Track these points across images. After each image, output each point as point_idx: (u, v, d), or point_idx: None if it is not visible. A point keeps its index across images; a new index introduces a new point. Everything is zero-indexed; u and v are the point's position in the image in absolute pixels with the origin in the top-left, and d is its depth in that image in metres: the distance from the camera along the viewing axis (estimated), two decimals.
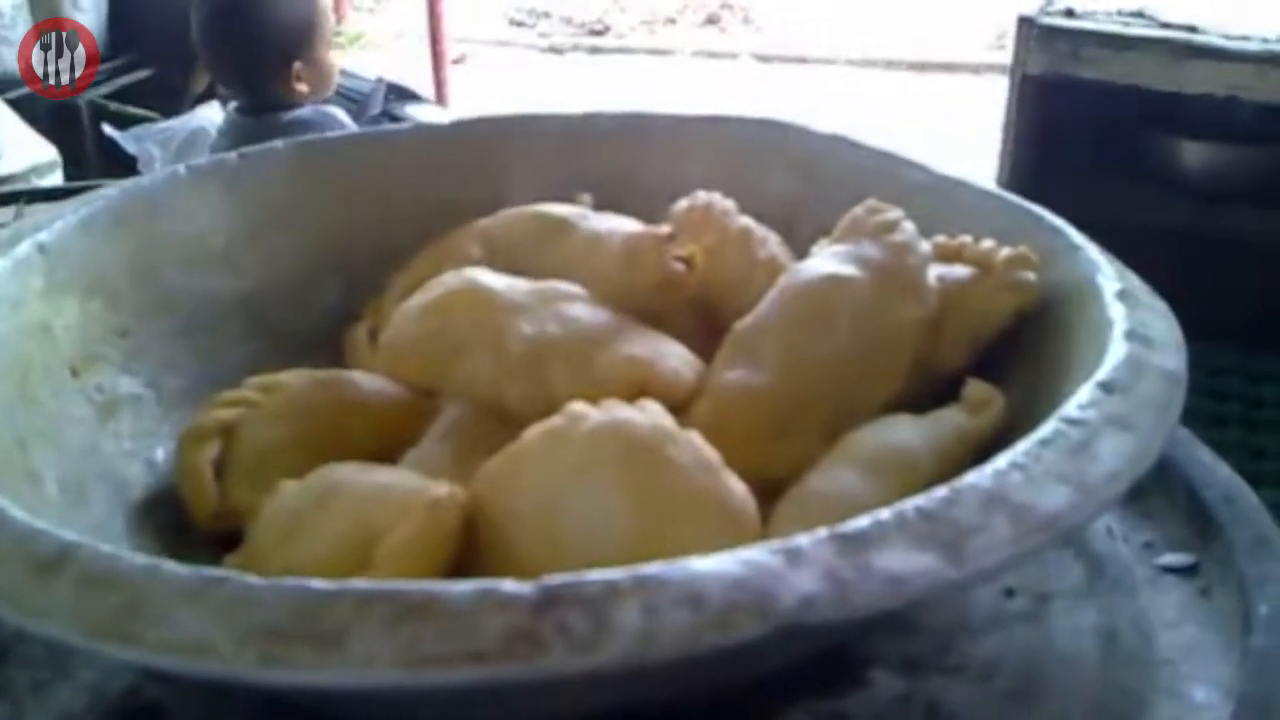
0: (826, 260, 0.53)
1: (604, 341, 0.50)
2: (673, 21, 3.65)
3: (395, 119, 2.12)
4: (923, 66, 3.22)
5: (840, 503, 0.46)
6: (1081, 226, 1.88)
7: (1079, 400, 0.43)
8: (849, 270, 0.52)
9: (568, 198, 0.62)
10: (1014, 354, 0.53)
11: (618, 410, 0.45)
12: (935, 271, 0.54)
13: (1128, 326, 0.47)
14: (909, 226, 0.54)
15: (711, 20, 3.67)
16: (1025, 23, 1.56)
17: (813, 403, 0.51)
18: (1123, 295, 0.50)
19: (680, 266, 0.54)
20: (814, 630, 0.34)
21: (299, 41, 1.64)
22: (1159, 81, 1.53)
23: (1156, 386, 0.44)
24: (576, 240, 0.55)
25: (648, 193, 0.63)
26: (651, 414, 0.45)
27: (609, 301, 0.53)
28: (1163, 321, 0.49)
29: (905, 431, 0.49)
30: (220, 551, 0.48)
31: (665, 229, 0.54)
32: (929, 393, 0.52)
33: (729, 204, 0.59)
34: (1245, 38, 1.49)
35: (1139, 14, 1.56)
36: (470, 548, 0.44)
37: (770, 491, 0.48)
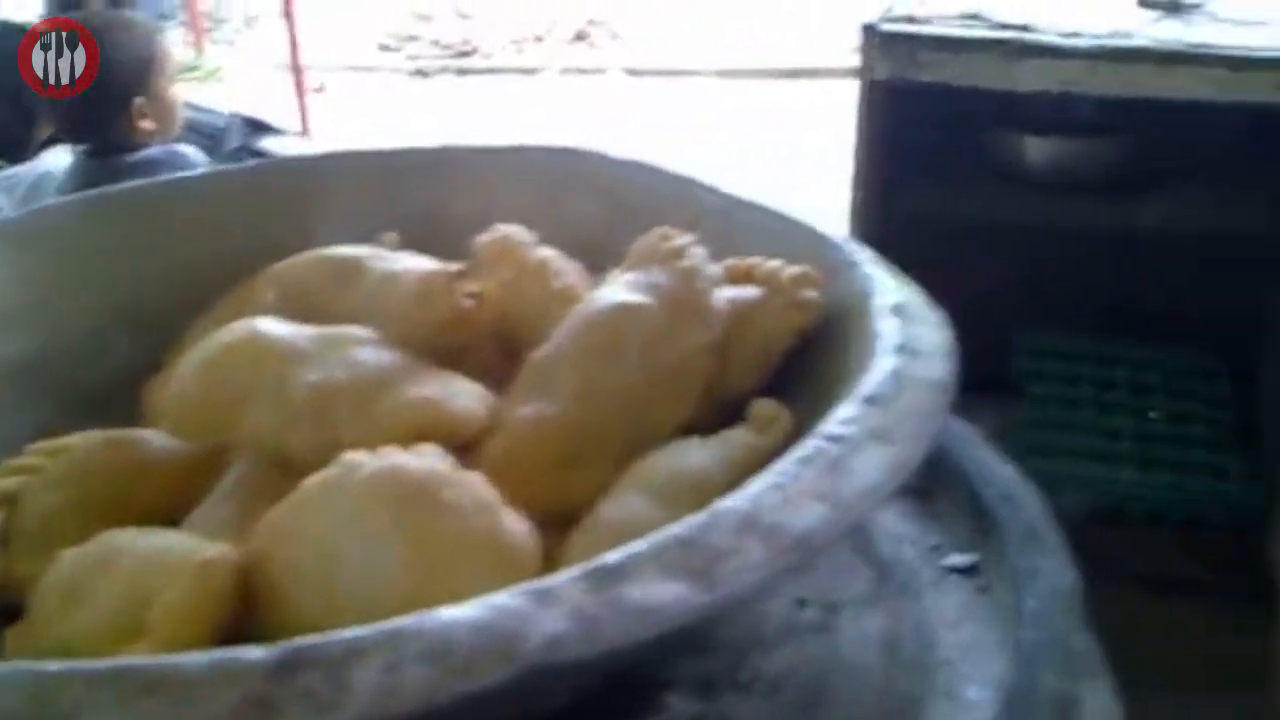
0: (616, 289, 0.54)
1: (390, 384, 0.50)
2: (541, 40, 3.66)
3: (254, 153, 2.09)
4: (789, 74, 3.28)
5: (631, 530, 0.47)
6: (935, 225, 1.94)
7: (840, 416, 0.44)
8: (638, 298, 0.53)
9: (375, 237, 0.62)
10: (801, 371, 0.54)
11: (392, 456, 0.45)
12: (726, 294, 0.55)
13: (898, 340, 0.49)
14: (697, 252, 0.55)
15: (580, 37, 3.68)
16: (869, 30, 1.59)
17: (606, 432, 0.52)
18: (897, 309, 0.51)
19: (471, 303, 0.54)
20: (565, 669, 0.35)
21: (138, 78, 1.61)
22: (996, 81, 1.57)
23: (920, 397, 0.46)
24: (369, 282, 0.55)
25: (459, 226, 0.63)
26: (427, 457, 0.45)
27: (402, 342, 0.53)
28: (935, 333, 0.50)
29: (695, 454, 0.50)
30: (5, 624, 0.47)
31: (455, 266, 0.55)
32: (722, 413, 0.53)
33: (528, 236, 0.59)
34: (1076, 34, 1.54)
35: (975, 16, 1.60)
36: (253, 604, 0.44)
37: (569, 522, 0.49)
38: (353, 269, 0.56)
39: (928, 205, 1.88)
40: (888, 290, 0.52)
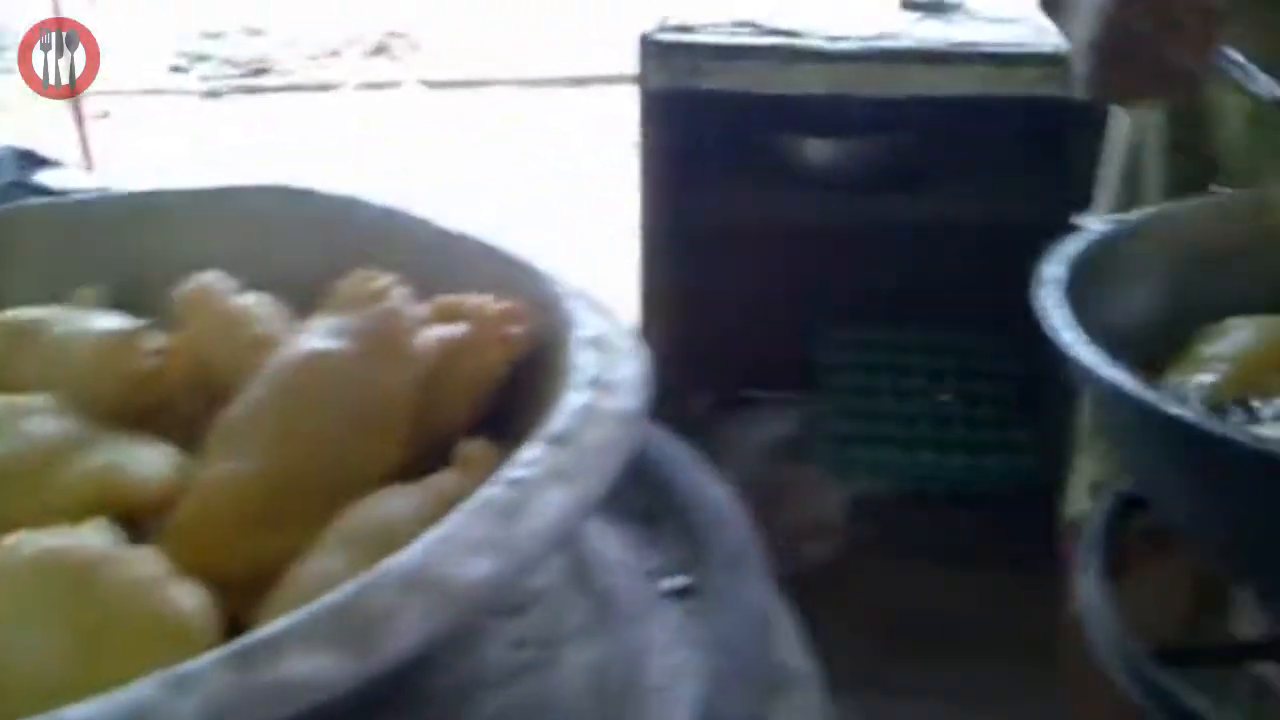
0: (311, 336, 0.53)
1: (64, 456, 0.48)
2: (339, 54, 3.59)
3: (30, 189, 1.99)
4: (588, 81, 3.29)
5: (328, 589, 0.45)
6: (728, 228, 1.95)
7: (524, 457, 0.44)
8: (333, 344, 0.52)
9: (70, 295, 0.59)
10: (512, 407, 0.53)
11: (54, 536, 0.42)
12: (430, 333, 0.54)
13: (592, 374, 0.48)
14: (399, 292, 0.54)
15: (380, 49, 3.63)
16: (645, 41, 1.60)
17: (304, 486, 0.50)
18: (595, 342, 0.51)
19: (156, 360, 0.52)
20: None
21: None
22: (771, 86, 1.60)
23: (608, 433, 0.46)
24: (46, 345, 0.53)
25: (167, 277, 0.61)
26: (91, 534, 0.43)
27: (86, 406, 0.50)
28: (631, 365, 0.50)
29: (397, 503, 0.49)
30: None
31: (137, 324, 0.52)
32: (436, 454, 0.52)
33: (227, 283, 0.57)
34: (844, 38, 1.58)
35: (748, 24, 1.63)
36: None
37: (271, 581, 0.47)
38: (30, 332, 0.53)
39: (720, 208, 1.91)
40: (588, 324, 0.52)
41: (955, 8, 1.66)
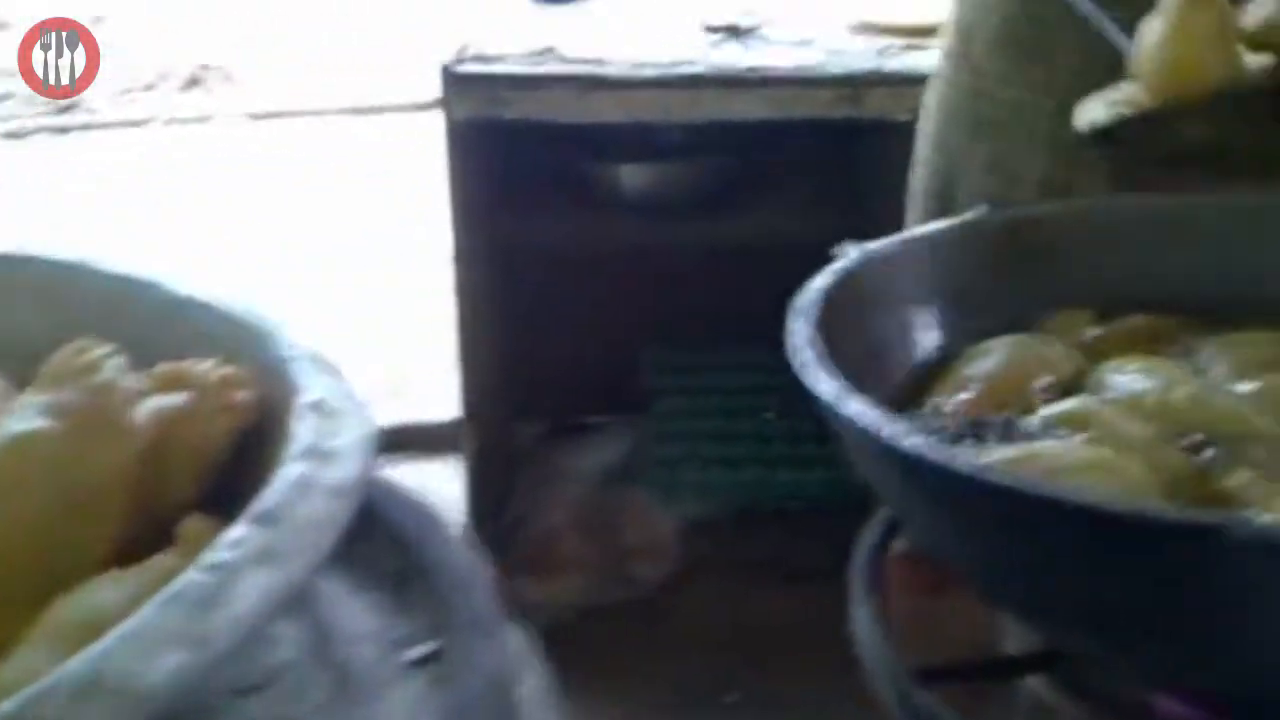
0: (15, 417, 0.50)
1: None
2: (151, 88, 3.47)
3: None
4: (401, 108, 3.26)
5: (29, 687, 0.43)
6: (549, 257, 1.94)
7: (227, 538, 0.42)
8: (38, 424, 0.49)
9: None
10: (238, 478, 0.51)
11: None
12: (151, 404, 0.52)
13: (309, 442, 0.47)
14: (113, 364, 0.52)
15: (194, 82, 3.53)
16: (446, 72, 1.59)
17: (12, 575, 0.47)
18: (316, 407, 0.49)
19: None
20: None
21: None
22: (575, 115, 1.60)
23: (321, 507, 0.44)
24: None
25: None
26: None
27: None
28: (352, 430, 0.49)
29: (107, 592, 0.47)
30: None
31: None
32: (162, 531, 0.50)
33: None
34: (644, 65, 1.59)
35: (548, 52, 1.63)
36: None
37: None
38: None
39: (539, 235, 1.90)
40: (312, 387, 0.50)
41: (751, 31, 1.69)
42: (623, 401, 2.04)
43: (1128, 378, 0.70)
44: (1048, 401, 0.69)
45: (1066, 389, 0.71)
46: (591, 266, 1.93)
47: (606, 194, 1.86)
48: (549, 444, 2.14)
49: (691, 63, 1.59)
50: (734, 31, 1.69)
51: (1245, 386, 0.69)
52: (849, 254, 0.74)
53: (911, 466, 0.53)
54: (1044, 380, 0.72)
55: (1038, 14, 0.97)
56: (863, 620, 0.68)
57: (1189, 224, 0.77)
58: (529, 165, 1.84)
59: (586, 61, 1.60)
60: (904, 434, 0.53)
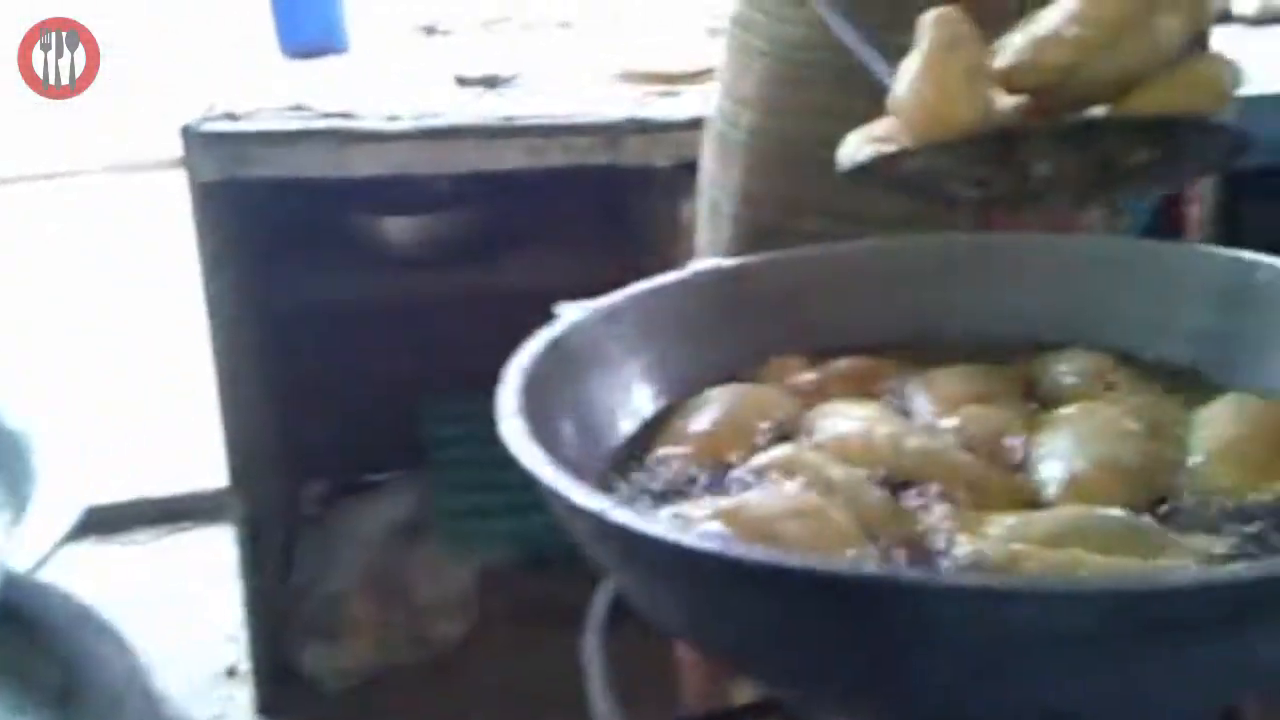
0: None
1: None
2: None
3: None
4: (143, 167, 3.14)
5: None
6: (312, 315, 1.88)
7: None
8: None
9: None
10: None
11: None
12: None
13: None
14: None
15: None
16: (188, 132, 1.53)
17: None
18: None
19: None
20: None
21: None
22: (330, 170, 1.57)
23: None
24: None
25: None
26: None
27: None
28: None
29: None
30: None
31: None
32: None
33: None
34: (398, 118, 1.57)
35: (299, 108, 1.60)
36: None
37: None
38: None
39: (307, 295, 1.86)
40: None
41: (511, 82, 1.69)
42: (405, 456, 2.00)
43: (834, 421, 0.71)
44: (763, 448, 0.70)
45: (784, 434, 0.73)
46: (363, 321, 1.90)
47: (373, 247, 1.83)
48: (332, 504, 2.09)
49: (447, 113, 1.58)
50: (491, 82, 1.69)
51: (945, 422, 0.72)
52: (567, 314, 0.74)
53: (600, 529, 0.53)
54: (762, 426, 0.73)
55: (799, 58, 1.00)
56: (595, 676, 0.67)
57: (892, 266, 0.80)
58: (291, 221, 1.80)
59: (339, 115, 1.58)
60: (590, 498, 0.53)
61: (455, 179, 1.73)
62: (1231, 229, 2.00)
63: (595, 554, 0.59)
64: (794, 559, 0.49)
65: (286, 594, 1.92)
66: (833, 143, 0.91)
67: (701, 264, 0.79)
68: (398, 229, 1.79)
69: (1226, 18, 1.77)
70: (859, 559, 0.56)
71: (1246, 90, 0.99)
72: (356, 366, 1.97)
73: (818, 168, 0.93)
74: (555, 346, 0.70)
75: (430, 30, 2.03)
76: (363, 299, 1.85)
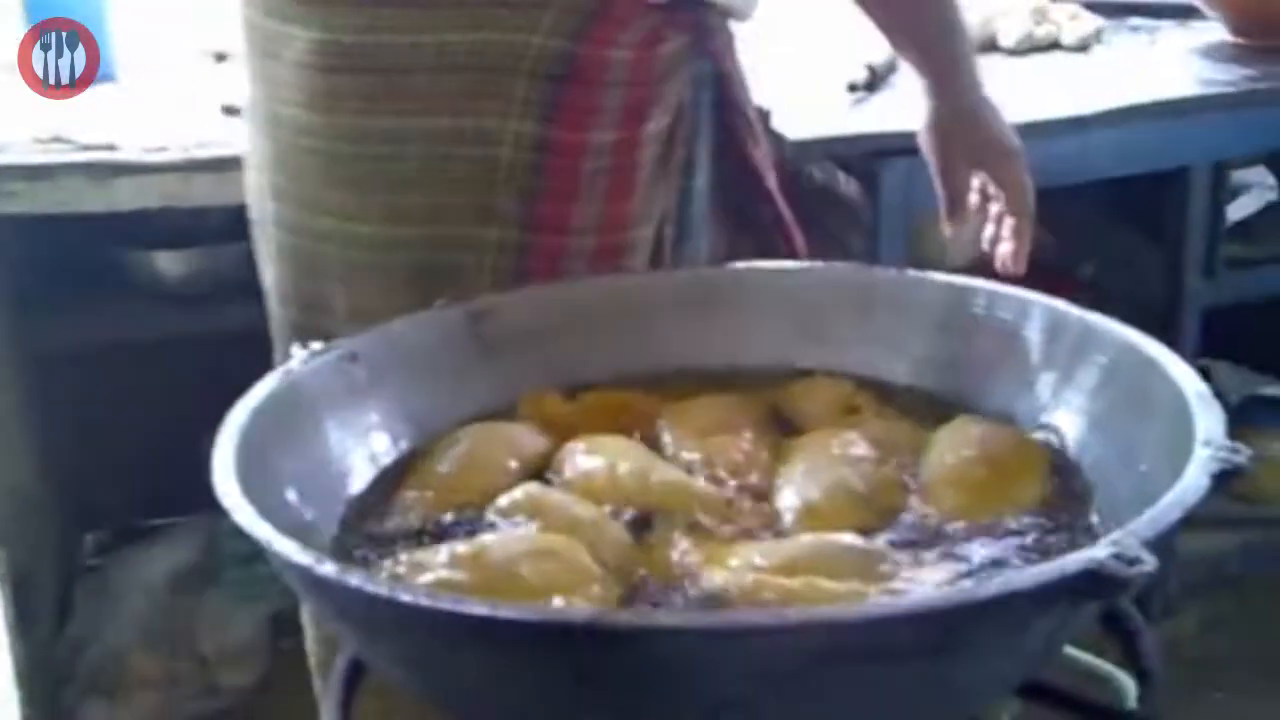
0: None
1: None
2: None
3: None
4: None
5: None
6: (82, 356, 1.77)
7: None
8: None
9: None
10: None
11: None
12: None
13: None
14: None
15: None
16: None
17: None
18: None
19: None
20: None
21: None
22: (93, 203, 1.50)
23: None
24: None
25: None
26: None
27: None
28: None
29: None
30: None
31: None
32: None
33: None
34: (164, 149, 1.51)
35: (58, 139, 1.52)
36: None
37: None
38: None
39: (75, 336, 1.77)
40: None
41: None
42: (189, 499, 1.92)
43: (582, 457, 0.71)
44: (511, 487, 0.69)
45: (535, 472, 0.72)
46: (138, 360, 1.81)
47: (146, 283, 1.75)
48: (112, 553, 1.99)
49: (216, 144, 1.53)
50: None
51: (691, 454, 0.72)
52: (299, 357, 0.72)
53: (311, 584, 0.51)
54: (511, 465, 0.72)
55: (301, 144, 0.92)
56: None
57: (638, 300, 0.80)
58: (56, 258, 1.71)
59: (101, 148, 1.50)
60: (299, 552, 0.51)
61: (231, 211, 1.66)
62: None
63: (314, 609, 0.57)
64: (483, 607, 0.48)
65: (64, 648, 1.82)
66: (328, 238, 0.89)
67: (442, 303, 0.77)
68: (171, 263, 1.71)
69: (991, 47, 1.85)
70: (569, 604, 0.55)
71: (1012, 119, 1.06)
72: (133, 408, 1.88)
73: (325, 264, 0.90)
74: (285, 390, 0.67)
75: (221, 57, 1.96)
76: (136, 337, 1.77)
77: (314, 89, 0.89)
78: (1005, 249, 1.04)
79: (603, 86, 0.88)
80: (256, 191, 1.00)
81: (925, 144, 1.05)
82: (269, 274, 1.00)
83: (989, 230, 1.06)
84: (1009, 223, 1.04)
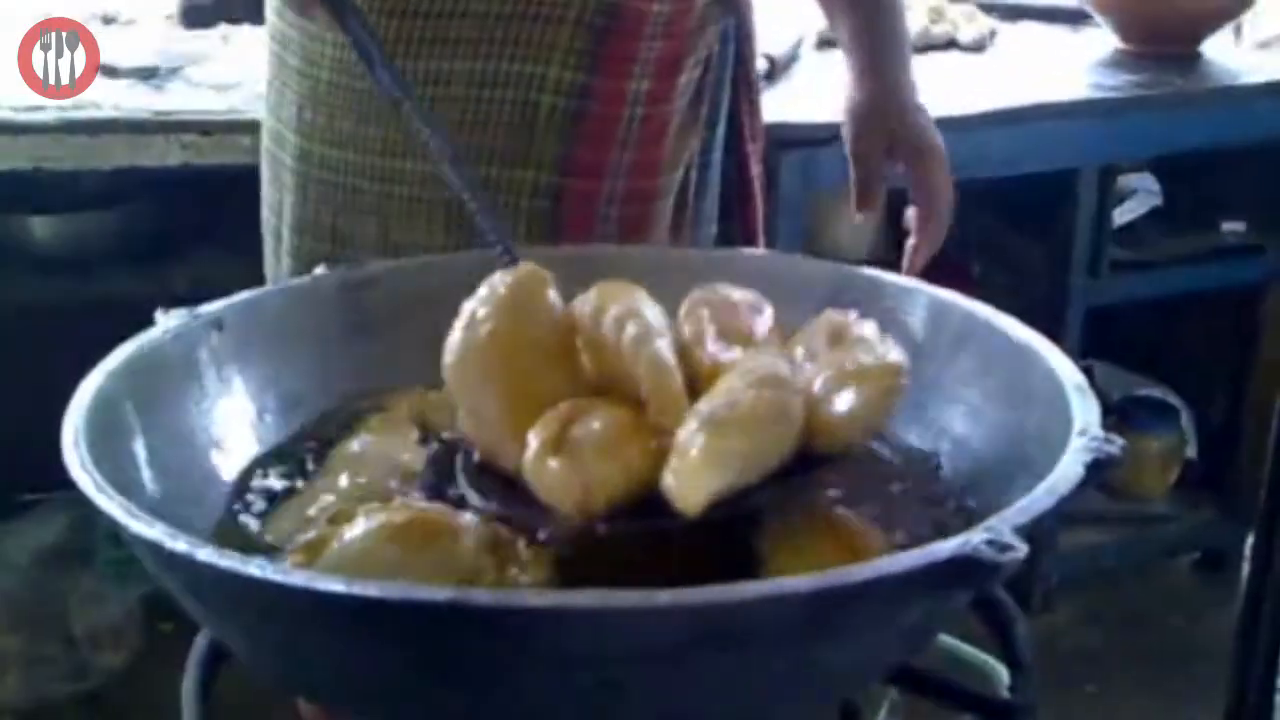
0: None
1: None
2: None
3: None
4: None
5: None
6: None
7: None
8: None
9: None
10: None
11: None
12: None
13: None
14: None
15: None
16: None
17: None
18: None
19: None
20: None
21: None
22: None
23: None
24: None
25: None
26: None
27: None
28: None
29: None
30: None
31: None
32: None
33: None
34: (40, 108, 1.45)
35: None
36: None
37: None
38: None
39: None
40: None
41: (175, 74, 1.59)
42: (60, 475, 1.85)
43: None
44: None
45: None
46: (8, 329, 1.74)
47: (20, 249, 1.69)
48: None
49: (96, 106, 1.47)
50: (150, 74, 1.58)
51: None
52: (167, 321, 0.69)
53: (157, 559, 0.48)
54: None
55: (329, 81, 0.94)
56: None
57: None
58: None
59: None
60: (139, 525, 0.48)
61: (111, 176, 1.60)
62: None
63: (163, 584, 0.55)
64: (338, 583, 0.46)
65: None
66: (364, 173, 0.91)
67: (322, 269, 0.75)
68: (46, 229, 1.65)
69: None
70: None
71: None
72: (2, 377, 1.81)
73: (355, 199, 0.92)
74: (142, 358, 0.64)
75: (109, 20, 1.89)
76: (8, 303, 1.70)
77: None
78: (909, 245, 1.03)
79: (643, 38, 0.91)
80: (274, 128, 1.00)
81: (845, 128, 1.04)
82: (285, 204, 0.99)
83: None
84: (919, 222, 1.02)
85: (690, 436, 0.53)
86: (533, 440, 0.55)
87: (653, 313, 0.60)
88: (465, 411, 0.60)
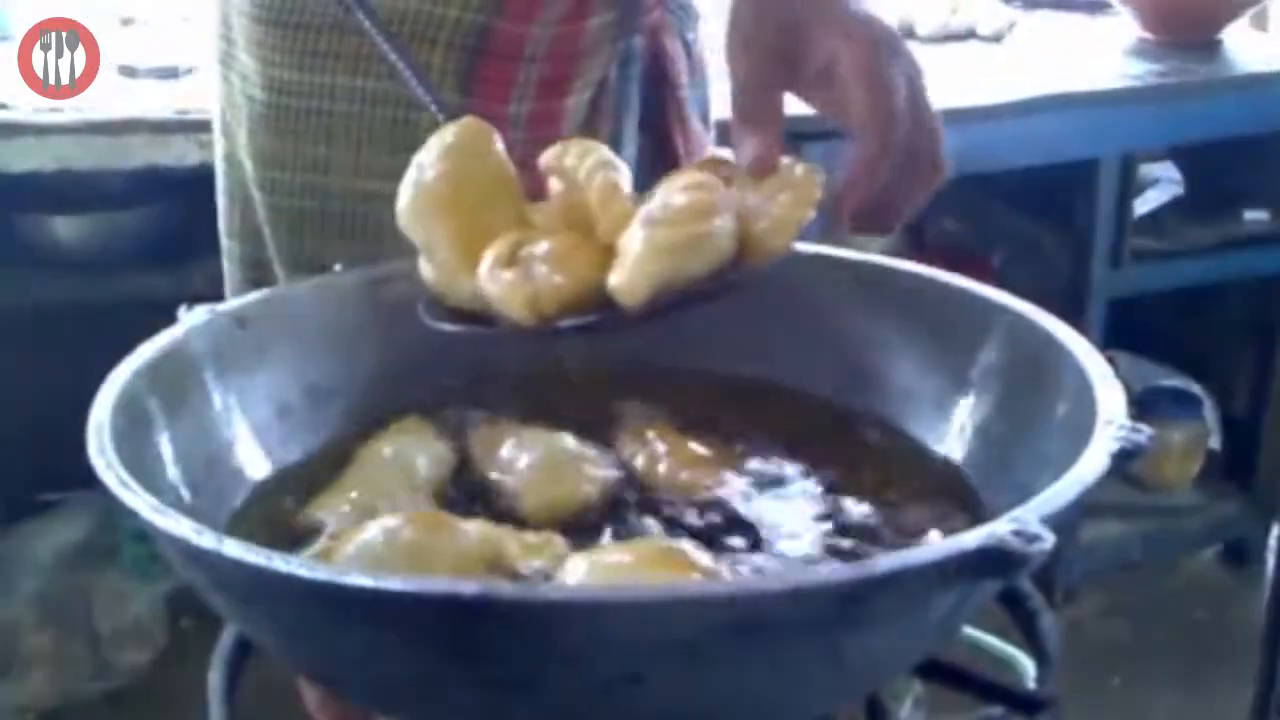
0: None
1: None
2: None
3: None
4: None
5: None
6: None
7: None
8: None
9: None
10: None
11: None
12: None
13: None
14: None
15: None
16: None
17: None
18: None
19: None
20: None
21: None
22: None
23: None
24: None
25: None
26: None
27: None
28: None
29: None
30: None
31: None
32: None
33: None
34: (58, 110, 1.46)
35: None
36: None
37: None
38: None
39: None
40: None
41: (192, 73, 1.59)
42: (84, 473, 1.86)
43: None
44: None
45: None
46: (31, 329, 1.75)
47: (43, 249, 1.70)
48: (4, 529, 1.93)
49: (112, 107, 1.48)
50: (169, 74, 1.59)
51: None
52: (190, 319, 0.69)
53: (188, 556, 0.49)
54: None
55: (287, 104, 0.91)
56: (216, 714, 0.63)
57: None
58: None
59: None
60: (174, 521, 0.49)
61: (132, 176, 1.61)
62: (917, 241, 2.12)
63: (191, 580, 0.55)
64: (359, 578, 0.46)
65: None
66: (322, 195, 0.89)
67: (344, 268, 0.75)
68: (67, 229, 1.66)
69: (908, 35, 1.86)
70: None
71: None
72: (27, 377, 1.82)
73: (319, 224, 0.89)
74: (166, 356, 0.65)
75: (127, 21, 1.90)
76: (29, 304, 1.71)
77: (251, 38, 0.89)
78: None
79: (521, 60, 0.87)
80: (232, 145, 0.98)
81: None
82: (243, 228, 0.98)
83: None
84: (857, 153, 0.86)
85: (630, 235, 0.58)
86: (486, 258, 0.61)
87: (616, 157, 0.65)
88: (421, 253, 0.64)
